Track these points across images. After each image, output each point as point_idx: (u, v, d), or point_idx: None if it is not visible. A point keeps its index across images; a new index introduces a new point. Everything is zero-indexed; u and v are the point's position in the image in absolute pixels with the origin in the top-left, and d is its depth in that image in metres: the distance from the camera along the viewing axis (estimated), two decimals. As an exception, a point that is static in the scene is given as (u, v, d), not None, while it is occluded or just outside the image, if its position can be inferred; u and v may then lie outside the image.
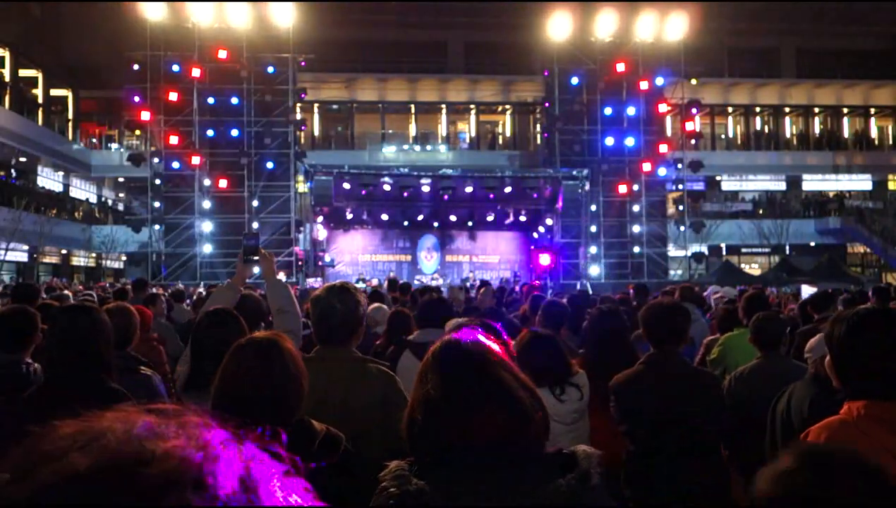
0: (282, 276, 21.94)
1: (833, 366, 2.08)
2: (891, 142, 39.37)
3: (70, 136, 34.04)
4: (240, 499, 0.56)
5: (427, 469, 1.42)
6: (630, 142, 25.73)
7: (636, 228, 26.11)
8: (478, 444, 1.40)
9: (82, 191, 35.88)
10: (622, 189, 25.66)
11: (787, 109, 38.27)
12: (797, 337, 5.11)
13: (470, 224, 26.41)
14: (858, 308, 2.10)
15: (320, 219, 25.08)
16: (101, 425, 0.58)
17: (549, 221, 25.60)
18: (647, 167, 25.53)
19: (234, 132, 24.10)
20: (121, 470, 0.54)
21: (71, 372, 2.66)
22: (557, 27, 25.65)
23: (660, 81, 25.98)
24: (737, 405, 3.77)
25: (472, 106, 36.14)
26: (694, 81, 27.09)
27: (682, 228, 26.83)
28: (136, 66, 24.00)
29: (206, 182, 24.39)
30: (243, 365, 2.13)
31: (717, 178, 37.02)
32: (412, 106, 35.74)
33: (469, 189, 23.79)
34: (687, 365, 3.47)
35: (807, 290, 18.77)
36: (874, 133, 39.35)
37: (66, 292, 8.85)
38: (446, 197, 23.89)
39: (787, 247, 32.46)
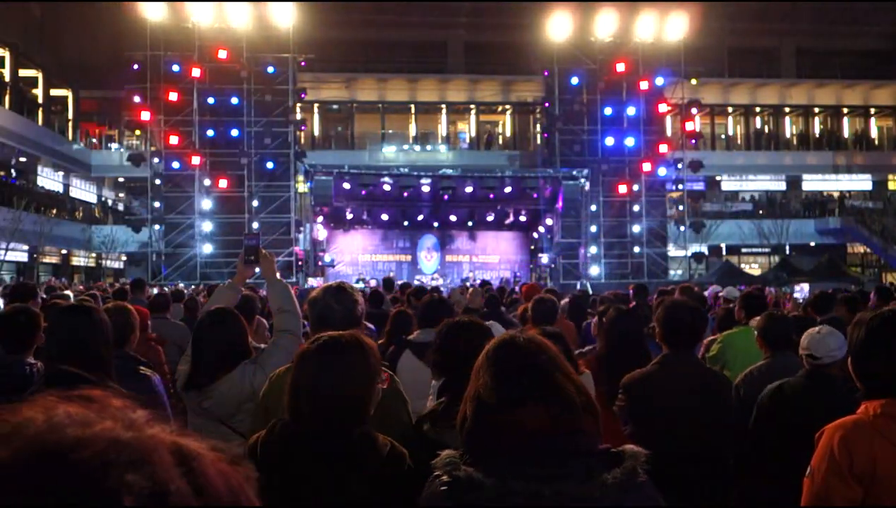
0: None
1: (853, 368, 2.10)
2: (890, 142, 39.37)
3: (70, 136, 34.03)
4: (176, 472, 0.55)
5: (477, 461, 1.47)
6: (630, 142, 25.71)
7: (636, 228, 26.09)
8: (526, 438, 1.45)
9: (82, 191, 35.87)
10: (622, 189, 25.65)
11: (787, 109, 38.26)
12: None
13: (470, 224, 26.40)
14: (883, 310, 2.13)
15: (320, 219, 25.07)
16: (20, 417, 0.56)
17: (549, 221, 25.59)
18: (647, 167, 25.52)
19: (234, 132, 24.08)
20: (47, 459, 0.52)
21: (70, 373, 2.65)
22: (557, 27, 25.63)
23: (660, 81, 25.96)
24: (746, 405, 3.75)
25: (472, 106, 36.12)
26: (694, 81, 27.06)
27: (682, 228, 26.83)
28: (136, 66, 23.99)
29: (206, 182, 24.38)
30: (305, 366, 2.02)
31: (717, 178, 37.01)
32: (412, 106, 35.73)
33: (469, 189, 23.78)
34: (700, 367, 3.43)
35: (800, 289, 18.79)
36: (874, 133, 39.35)
37: (67, 292, 8.83)
38: (446, 197, 23.89)
39: (787, 247, 32.45)
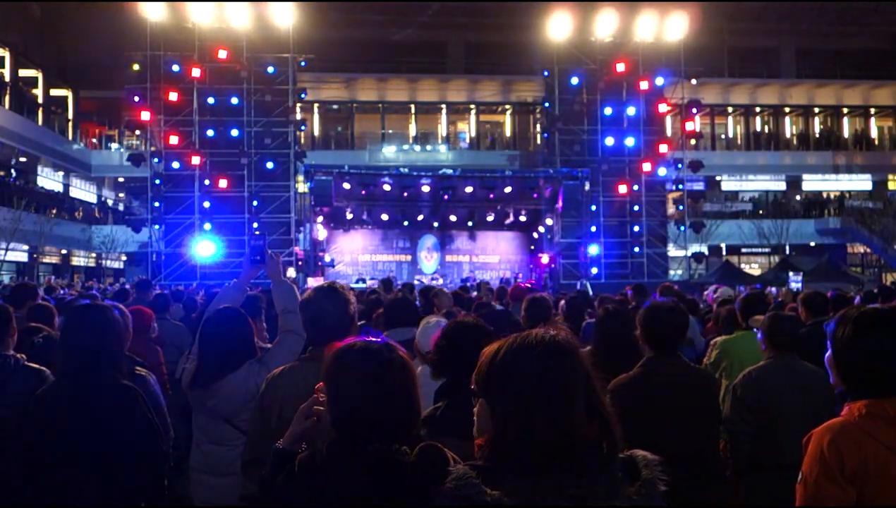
0: (291, 273, 21.97)
1: (835, 366, 2.08)
2: (890, 142, 39.37)
3: (70, 136, 34.05)
4: None
5: (494, 475, 1.41)
6: (630, 142, 25.70)
7: (636, 228, 26.08)
8: (556, 455, 1.42)
9: (82, 191, 35.88)
10: (622, 189, 25.63)
11: (787, 109, 38.27)
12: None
13: (470, 224, 26.38)
14: (868, 306, 2.10)
15: (320, 219, 25.05)
16: None
17: (549, 221, 25.57)
18: (647, 167, 25.51)
19: (234, 132, 24.06)
20: None
21: (83, 370, 2.67)
22: (557, 27, 25.62)
23: (660, 81, 25.94)
24: (748, 406, 3.73)
25: (472, 106, 36.13)
26: (694, 81, 27.06)
27: (682, 228, 26.81)
28: (136, 66, 23.97)
29: (206, 182, 24.37)
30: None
31: (717, 178, 37.02)
32: (412, 106, 35.75)
33: (469, 189, 23.77)
34: (684, 367, 3.39)
35: (796, 280, 18.74)
36: (874, 133, 39.37)
37: (71, 292, 8.86)
38: (446, 197, 23.86)
39: (787, 247, 32.46)
